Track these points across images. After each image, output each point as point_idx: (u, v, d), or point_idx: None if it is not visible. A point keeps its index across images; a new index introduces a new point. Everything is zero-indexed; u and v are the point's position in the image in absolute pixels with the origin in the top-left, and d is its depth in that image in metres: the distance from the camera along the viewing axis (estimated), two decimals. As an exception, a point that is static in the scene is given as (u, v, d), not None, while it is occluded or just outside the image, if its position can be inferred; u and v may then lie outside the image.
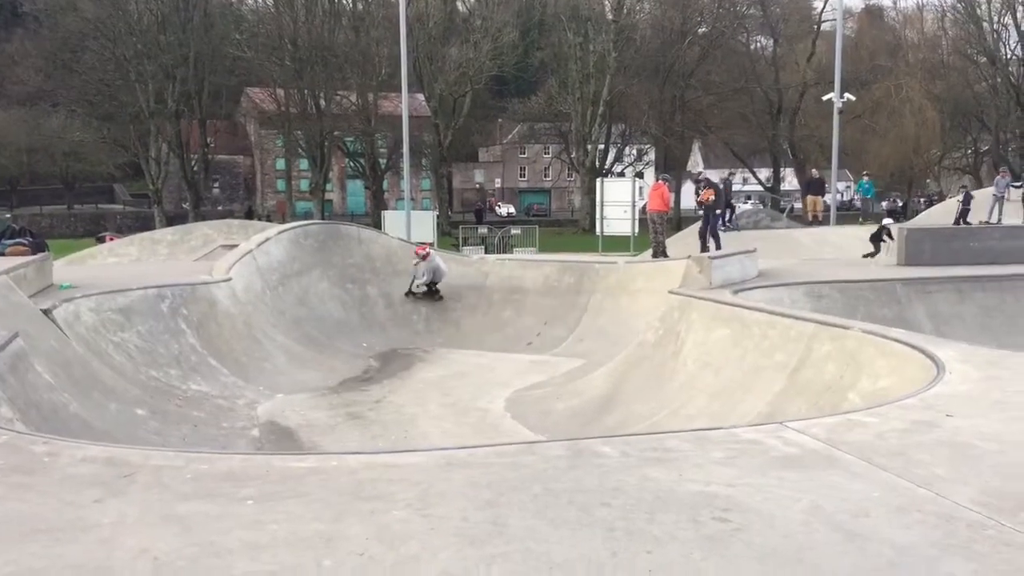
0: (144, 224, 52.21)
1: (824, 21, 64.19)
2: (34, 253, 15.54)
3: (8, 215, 46.42)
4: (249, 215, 61.98)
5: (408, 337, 16.49)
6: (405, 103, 30.89)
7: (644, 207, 23.83)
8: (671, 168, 59.19)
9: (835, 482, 4.29)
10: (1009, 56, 58.00)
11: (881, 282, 13.94)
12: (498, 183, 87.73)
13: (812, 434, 5.13)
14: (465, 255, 22.63)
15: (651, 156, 68.13)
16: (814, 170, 42.23)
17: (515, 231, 38.67)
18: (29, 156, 65.91)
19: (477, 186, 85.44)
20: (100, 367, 9.95)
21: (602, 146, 62.47)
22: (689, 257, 14.28)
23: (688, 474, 4.39)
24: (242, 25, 61.31)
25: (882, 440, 5.01)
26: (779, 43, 64.77)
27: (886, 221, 19.74)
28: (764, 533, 3.61)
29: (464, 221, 56.58)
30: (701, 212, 18.94)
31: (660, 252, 17.63)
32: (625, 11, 60.34)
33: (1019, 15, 56.77)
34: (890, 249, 17.23)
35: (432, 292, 17.38)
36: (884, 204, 43.54)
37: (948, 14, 62.74)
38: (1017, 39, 57.07)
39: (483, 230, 39.72)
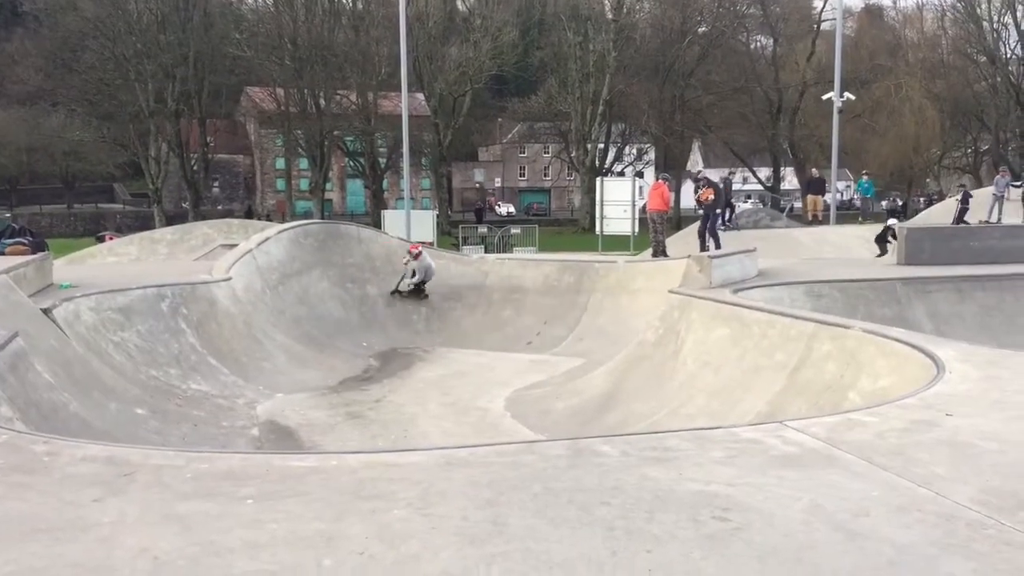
0: (144, 223, 52.24)
1: (824, 20, 64.19)
2: (34, 252, 15.46)
3: (8, 214, 46.31)
4: (249, 214, 62.01)
5: (408, 336, 16.51)
6: (405, 102, 30.88)
7: (644, 206, 23.84)
8: (671, 167, 59.18)
9: (835, 481, 4.29)
10: (1009, 55, 58.01)
11: (881, 281, 13.94)
12: (498, 182, 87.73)
13: (812, 433, 5.13)
14: (465, 254, 22.63)
15: (651, 155, 68.10)
16: (814, 169, 42.29)
17: (515, 230, 38.60)
18: (29, 155, 65.90)
19: (477, 185, 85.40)
20: (100, 366, 9.95)
21: (602, 145, 62.50)
22: (689, 256, 14.28)
23: (688, 473, 4.39)
24: (242, 24, 61.24)
25: (882, 439, 5.01)
26: (779, 42, 64.71)
27: (891, 221, 19.66)
28: (764, 532, 3.61)
29: (464, 220, 56.60)
30: (701, 211, 18.94)
31: (660, 251, 17.63)
32: (625, 10, 60.37)
33: (1019, 14, 56.73)
34: (895, 249, 17.24)
35: (419, 291, 17.38)
36: (884, 204, 43.56)
37: (948, 13, 62.79)
38: (1017, 38, 57.07)
39: (483, 229, 39.65)
